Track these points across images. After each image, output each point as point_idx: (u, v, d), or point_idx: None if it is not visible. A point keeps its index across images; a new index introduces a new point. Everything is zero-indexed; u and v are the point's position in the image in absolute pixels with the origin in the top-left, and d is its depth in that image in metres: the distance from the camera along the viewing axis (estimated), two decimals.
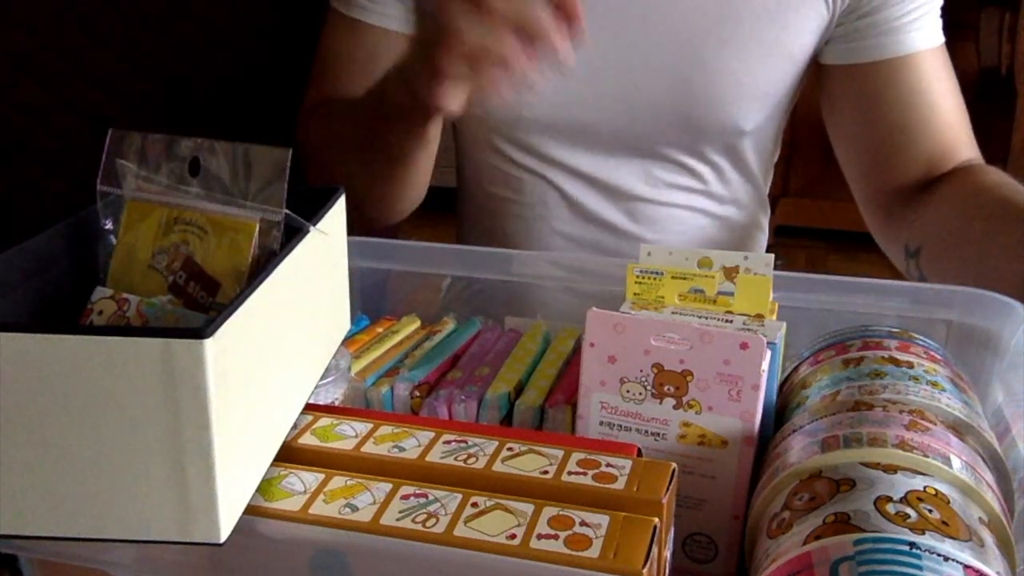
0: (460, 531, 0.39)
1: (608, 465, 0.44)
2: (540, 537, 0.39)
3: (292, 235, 0.44)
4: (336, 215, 0.47)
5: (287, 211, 0.43)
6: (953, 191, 0.80)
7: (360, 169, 0.81)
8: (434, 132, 0.75)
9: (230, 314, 0.34)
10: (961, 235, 0.77)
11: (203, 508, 0.34)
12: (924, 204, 0.82)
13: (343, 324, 0.49)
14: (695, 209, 0.94)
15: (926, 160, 0.84)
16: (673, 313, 0.59)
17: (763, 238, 1.01)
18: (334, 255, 0.47)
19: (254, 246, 0.43)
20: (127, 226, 0.45)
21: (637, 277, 0.60)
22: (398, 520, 0.40)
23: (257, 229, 0.43)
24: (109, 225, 0.46)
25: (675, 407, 0.53)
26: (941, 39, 0.85)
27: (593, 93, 0.86)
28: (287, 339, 0.41)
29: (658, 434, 0.54)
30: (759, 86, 0.86)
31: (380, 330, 0.72)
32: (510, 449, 0.45)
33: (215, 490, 0.34)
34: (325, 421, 0.48)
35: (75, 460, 0.34)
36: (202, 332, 0.32)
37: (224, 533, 0.35)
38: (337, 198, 0.48)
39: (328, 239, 0.46)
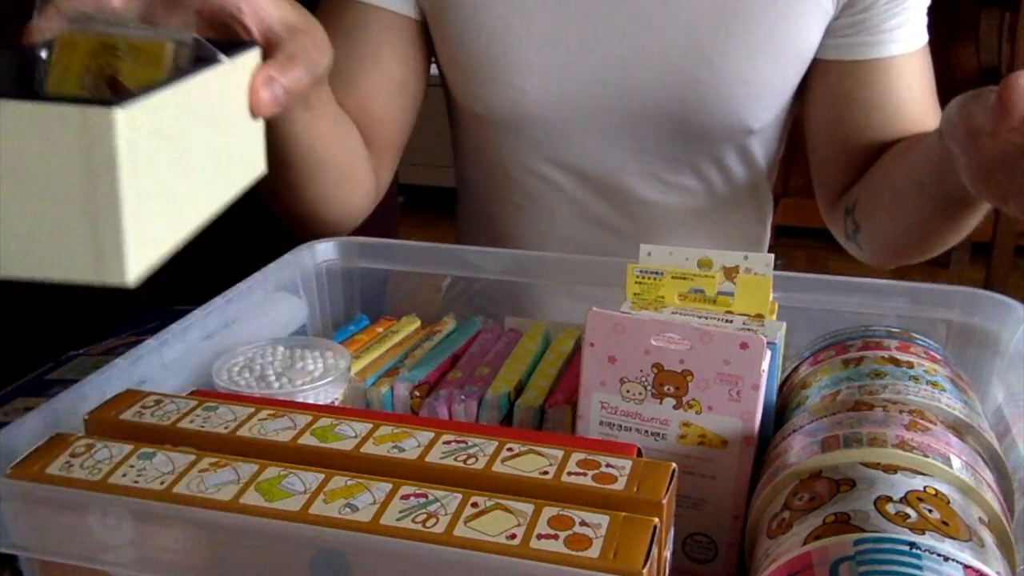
0: (460, 531, 0.39)
1: (608, 465, 0.44)
2: (540, 537, 0.39)
3: None
4: (247, 65, 0.53)
5: (197, 36, 0.49)
6: (888, 153, 0.85)
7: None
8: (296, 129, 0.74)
9: (141, 95, 0.39)
10: (885, 173, 0.84)
11: (113, 252, 0.39)
12: (857, 188, 0.88)
13: (256, 166, 0.54)
14: (699, 210, 0.94)
15: (872, 140, 0.87)
16: (673, 313, 0.59)
17: (767, 238, 1.01)
18: (242, 102, 0.53)
19: (168, 65, 0.48)
20: (58, 57, 0.49)
21: (637, 277, 0.60)
22: (398, 520, 0.40)
23: (171, 48, 0.48)
24: (44, 55, 0.50)
25: (675, 407, 0.53)
26: (923, 40, 0.86)
27: (596, 92, 0.86)
28: (195, 144, 0.46)
29: (658, 434, 0.54)
30: (766, 84, 0.86)
31: (380, 330, 0.72)
32: (510, 449, 0.45)
33: (123, 237, 0.38)
34: (325, 421, 0.48)
35: None
36: (114, 103, 0.37)
37: (132, 275, 0.39)
38: (251, 49, 0.54)
39: (239, 82, 0.52)
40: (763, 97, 0.86)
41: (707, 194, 0.93)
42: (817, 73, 0.88)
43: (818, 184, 0.94)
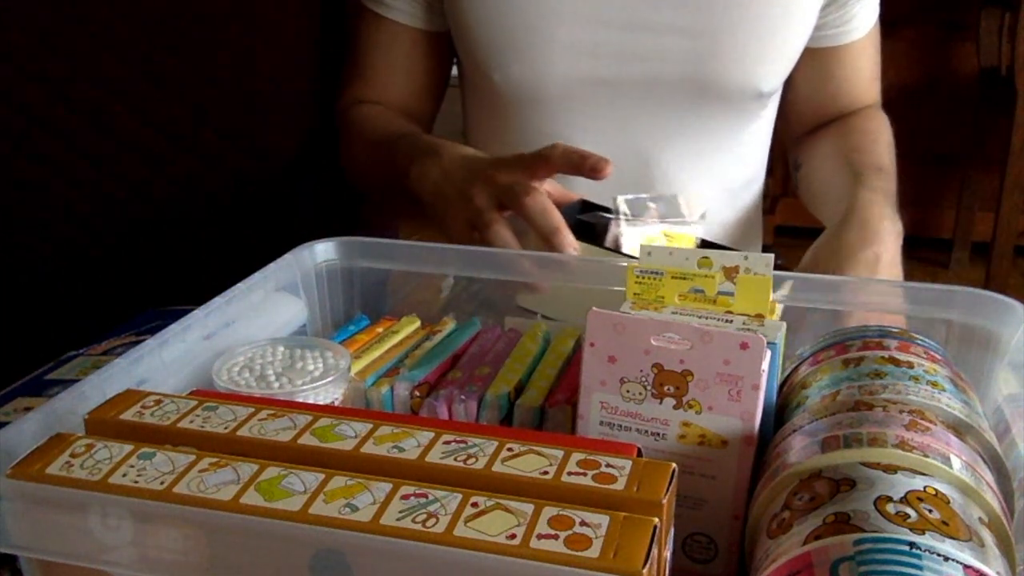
0: (460, 531, 0.39)
1: (608, 465, 0.44)
2: (540, 537, 0.39)
3: None
4: None
5: None
6: (834, 132, 1.02)
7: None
8: None
9: None
10: (820, 169, 1.02)
11: None
12: (816, 135, 1.04)
13: None
14: (709, 175, 0.97)
15: (838, 111, 1.04)
16: (673, 313, 0.59)
17: (761, 202, 1.09)
18: None
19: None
20: None
21: (637, 277, 0.60)
22: (398, 520, 0.40)
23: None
24: None
25: (675, 407, 0.53)
26: (875, 17, 1.01)
27: (618, 63, 0.90)
28: None
29: (658, 434, 0.54)
30: (778, 46, 0.93)
31: (380, 330, 0.72)
32: (510, 449, 0.45)
33: None
34: (325, 421, 0.48)
35: None
36: None
37: None
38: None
39: None
40: (774, 60, 0.93)
41: (717, 159, 0.98)
42: (803, 55, 0.98)
43: (786, 135, 1.08)
